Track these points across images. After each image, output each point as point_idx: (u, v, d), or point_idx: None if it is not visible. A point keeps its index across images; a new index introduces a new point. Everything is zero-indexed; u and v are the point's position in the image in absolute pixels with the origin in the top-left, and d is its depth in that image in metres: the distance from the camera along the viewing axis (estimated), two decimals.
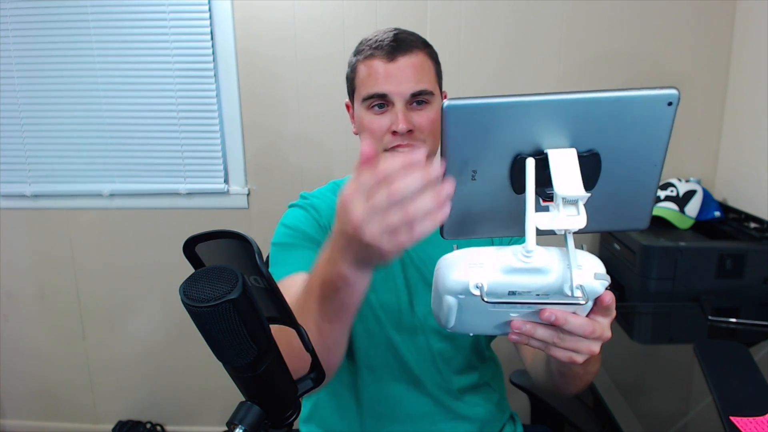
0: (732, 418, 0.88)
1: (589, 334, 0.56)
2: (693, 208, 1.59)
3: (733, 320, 1.29)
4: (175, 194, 1.88)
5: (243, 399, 0.53)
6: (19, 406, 2.13)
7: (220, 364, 0.50)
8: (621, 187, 0.52)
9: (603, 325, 0.57)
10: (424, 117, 0.89)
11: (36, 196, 1.91)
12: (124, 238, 1.95)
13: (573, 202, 0.49)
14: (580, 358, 0.59)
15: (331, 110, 1.79)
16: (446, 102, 0.48)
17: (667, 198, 1.60)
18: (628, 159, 0.50)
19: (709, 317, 1.30)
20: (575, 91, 0.48)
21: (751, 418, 0.88)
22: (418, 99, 0.89)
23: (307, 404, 1.02)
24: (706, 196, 1.62)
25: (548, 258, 0.50)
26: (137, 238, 1.95)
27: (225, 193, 1.88)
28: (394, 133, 0.88)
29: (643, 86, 0.48)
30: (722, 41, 1.69)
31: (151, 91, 1.81)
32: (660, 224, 1.57)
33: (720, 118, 1.75)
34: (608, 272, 0.53)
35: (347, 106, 1.00)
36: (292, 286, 0.75)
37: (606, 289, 0.53)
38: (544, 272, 0.50)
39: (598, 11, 1.69)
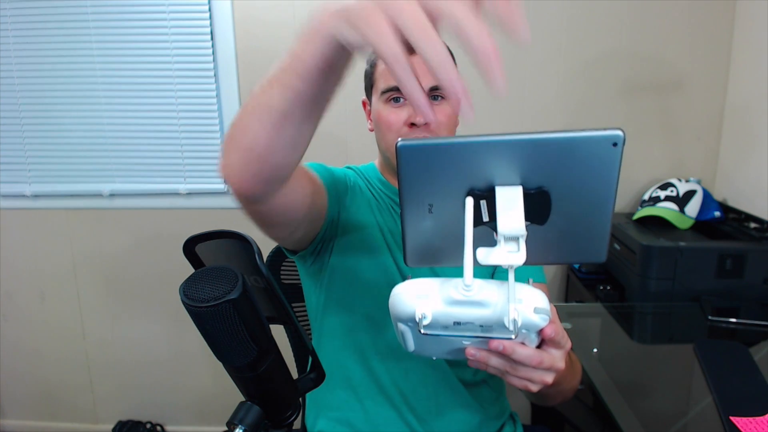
0: (732, 418, 0.88)
1: (537, 364, 0.58)
2: (693, 208, 1.59)
3: (733, 320, 1.29)
4: (175, 194, 1.88)
5: (243, 399, 0.53)
6: (19, 406, 2.13)
7: (220, 364, 0.50)
8: (574, 223, 0.54)
9: (554, 356, 0.59)
10: (441, 112, 0.91)
11: (36, 196, 1.91)
12: (124, 238, 1.95)
13: (514, 239, 0.51)
14: (534, 388, 0.61)
15: (330, 110, 1.78)
16: (400, 141, 0.50)
17: (667, 198, 1.60)
18: (579, 197, 0.52)
19: (709, 317, 1.30)
20: (523, 132, 0.50)
21: (751, 418, 0.88)
22: (436, 94, 0.90)
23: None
24: (706, 196, 1.62)
25: (488, 292, 0.52)
26: (137, 238, 1.95)
27: (225, 193, 1.87)
28: (412, 125, 0.89)
29: (592, 127, 0.50)
30: (722, 41, 1.69)
31: (151, 91, 1.81)
32: (660, 224, 1.57)
33: (720, 118, 1.75)
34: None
35: (364, 104, 1.02)
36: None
37: (550, 321, 0.54)
38: (483, 305, 0.52)
39: (597, 11, 1.69)
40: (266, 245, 1.01)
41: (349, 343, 0.97)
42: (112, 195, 1.89)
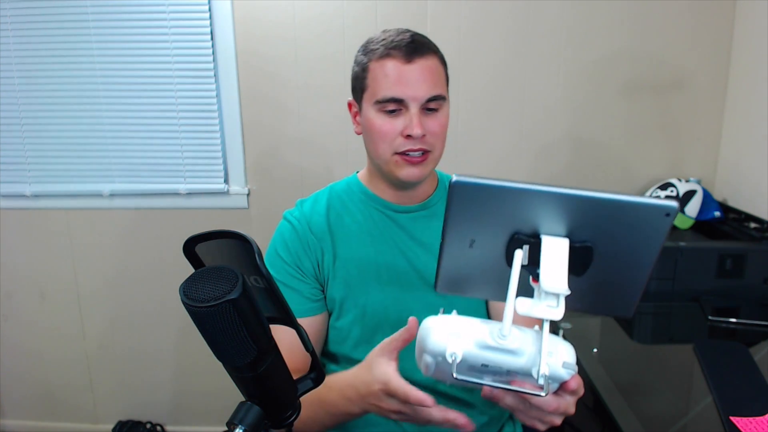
0: (732, 418, 0.88)
1: (553, 410, 0.60)
2: (693, 208, 1.59)
3: (733, 320, 1.29)
4: (175, 194, 1.88)
5: (243, 399, 0.53)
6: (19, 406, 2.13)
7: (220, 364, 0.50)
8: (611, 280, 0.55)
9: (568, 402, 0.61)
10: (436, 122, 0.90)
11: (36, 196, 1.91)
12: (124, 238, 1.95)
13: (555, 295, 0.51)
14: (542, 427, 0.63)
15: (331, 110, 1.78)
16: (455, 177, 0.50)
17: (667, 198, 1.60)
18: (621, 256, 0.53)
19: (709, 317, 1.30)
20: (577, 188, 0.49)
21: (751, 418, 0.88)
22: (431, 104, 0.89)
23: None
24: (706, 196, 1.62)
25: (522, 341, 0.53)
26: (137, 238, 1.95)
27: (225, 193, 1.87)
28: (408, 136, 0.88)
29: (647, 196, 0.52)
30: (722, 41, 1.69)
31: (151, 91, 1.81)
32: None
33: (720, 118, 1.75)
34: None
35: (349, 105, 0.98)
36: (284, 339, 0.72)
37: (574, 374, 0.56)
38: (516, 353, 0.54)
39: (597, 11, 1.69)
40: (266, 245, 1.01)
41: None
42: (112, 195, 1.89)
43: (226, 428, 0.51)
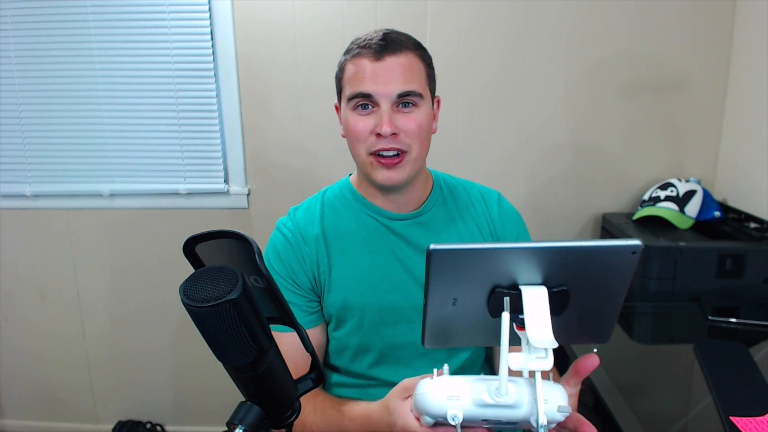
0: (732, 418, 0.88)
1: None
2: (693, 208, 1.59)
3: (733, 320, 1.29)
4: (175, 194, 1.88)
5: (243, 399, 0.53)
6: (19, 406, 2.13)
7: (220, 363, 0.50)
8: (586, 314, 0.58)
9: None
10: (411, 120, 0.88)
11: (36, 196, 1.91)
12: (124, 238, 1.95)
13: (543, 348, 0.54)
14: None
15: (331, 110, 1.76)
16: (432, 246, 0.52)
17: (667, 198, 1.60)
18: (595, 293, 0.56)
19: (709, 317, 1.30)
20: (549, 240, 0.53)
21: (751, 418, 0.88)
22: (406, 101, 0.87)
23: None
24: (706, 196, 1.62)
25: (518, 394, 0.56)
26: (137, 238, 1.95)
27: (225, 193, 1.88)
28: (378, 135, 0.87)
29: (613, 238, 0.53)
30: (722, 41, 1.69)
31: (151, 91, 1.81)
32: (660, 224, 1.57)
33: (720, 118, 1.75)
34: None
35: (336, 108, 0.99)
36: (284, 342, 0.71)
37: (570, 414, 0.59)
38: (514, 407, 0.56)
39: (597, 12, 1.69)
40: (266, 245, 1.01)
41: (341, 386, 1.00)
42: (112, 195, 1.89)
43: (226, 428, 0.51)
